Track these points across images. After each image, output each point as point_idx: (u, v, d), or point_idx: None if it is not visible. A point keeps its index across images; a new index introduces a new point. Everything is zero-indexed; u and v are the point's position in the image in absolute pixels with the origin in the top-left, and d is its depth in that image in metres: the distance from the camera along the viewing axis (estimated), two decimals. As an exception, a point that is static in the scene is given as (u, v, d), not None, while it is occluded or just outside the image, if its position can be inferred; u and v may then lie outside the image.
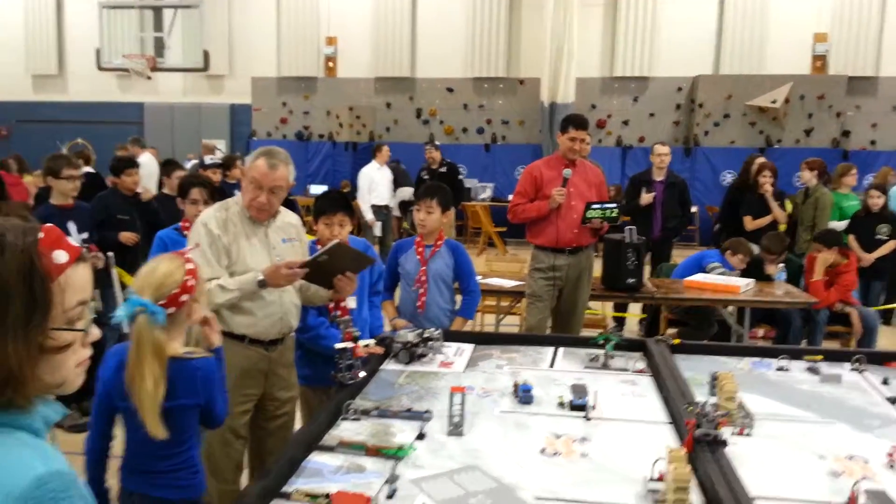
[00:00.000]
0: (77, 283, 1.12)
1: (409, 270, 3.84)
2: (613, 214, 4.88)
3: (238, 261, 2.95)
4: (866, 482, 1.99)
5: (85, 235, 4.86)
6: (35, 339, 1.05)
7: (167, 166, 6.39)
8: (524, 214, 4.94)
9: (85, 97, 16.09)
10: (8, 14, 16.15)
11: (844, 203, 7.51)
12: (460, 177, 11.26)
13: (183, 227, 4.04)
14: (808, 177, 7.35)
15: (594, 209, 4.82)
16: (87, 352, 1.16)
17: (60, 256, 1.10)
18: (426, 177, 9.94)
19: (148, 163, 9.91)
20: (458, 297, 4.00)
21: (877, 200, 7.01)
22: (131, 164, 5.85)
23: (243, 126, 15.69)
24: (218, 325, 2.43)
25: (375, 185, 9.74)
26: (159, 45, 14.98)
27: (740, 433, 2.34)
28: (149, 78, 14.10)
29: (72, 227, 4.75)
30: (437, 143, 10.94)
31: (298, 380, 3.35)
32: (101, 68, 13.86)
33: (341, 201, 3.44)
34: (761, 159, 7.48)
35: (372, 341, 3.04)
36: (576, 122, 4.93)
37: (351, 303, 3.30)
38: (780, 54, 13.62)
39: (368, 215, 9.51)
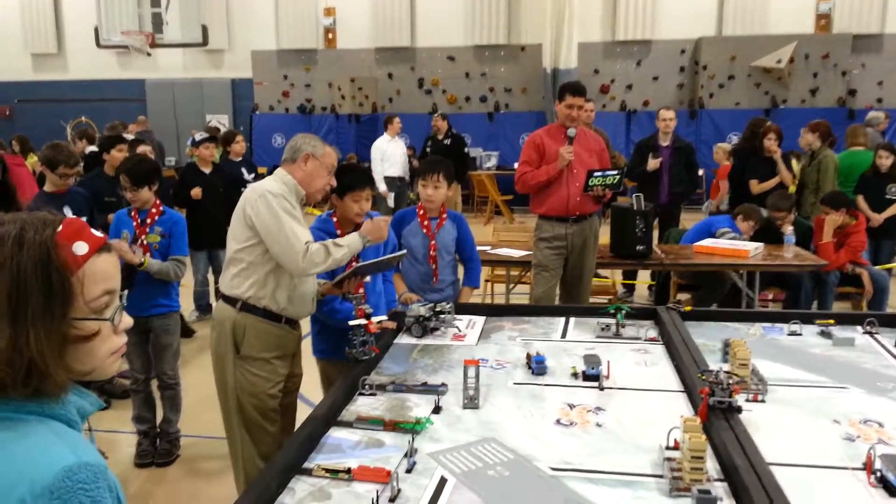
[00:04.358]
0: (100, 273, 1.13)
1: (414, 245, 3.77)
2: (615, 181, 4.86)
3: None
4: (882, 446, 2.01)
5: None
6: (56, 330, 1.06)
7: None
8: (534, 180, 4.86)
9: (85, 75, 15.99)
10: (4, -7, 16.01)
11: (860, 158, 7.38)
12: (466, 149, 11.13)
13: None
14: (810, 139, 7.22)
15: (596, 177, 4.80)
16: (122, 339, 1.17)
17: (80, 248, 1.10)
18: (430, 148, 9.91)
19: None
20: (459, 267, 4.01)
21: (885, 161, 6.95)
22: (120, 139, 5.66)
23: (245, 100, 15.60)
24: None
25: (388, 156, 9.75)
26: (157, 21, 14.85)
27: (754, 399, 2.35)
28: (149, 54, 14.02)
29: (67, 212, 4.66)
30: (444, 113, 10.86)
31: (317, 354, 3.41)
32: (100, 46, 13.76)
33: (367, 177, 3.45)
34: (767, 123, 7.42)
35: (384, 317, 3.07)
36: (572, 89, 4.86)
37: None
38: (783, 14, 13.45)
39: (382, 187, 9.55)
